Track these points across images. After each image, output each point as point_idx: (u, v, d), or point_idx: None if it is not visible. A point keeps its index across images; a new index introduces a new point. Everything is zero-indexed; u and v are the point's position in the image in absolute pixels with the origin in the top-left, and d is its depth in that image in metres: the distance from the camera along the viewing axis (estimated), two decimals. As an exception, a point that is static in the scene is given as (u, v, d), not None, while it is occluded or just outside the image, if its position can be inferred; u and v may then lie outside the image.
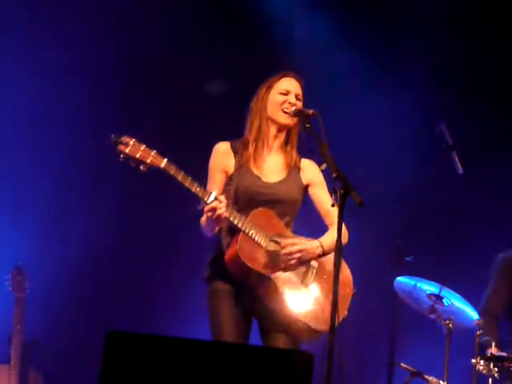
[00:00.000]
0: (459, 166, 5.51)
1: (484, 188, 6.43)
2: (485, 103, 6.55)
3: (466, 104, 6.50)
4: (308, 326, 3.98)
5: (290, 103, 4.16)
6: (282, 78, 4.24)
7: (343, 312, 4.04)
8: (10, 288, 5.48)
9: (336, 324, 3.45)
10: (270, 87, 4.22)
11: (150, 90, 6.25)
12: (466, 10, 6.63)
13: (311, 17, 6.75)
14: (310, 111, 3.93)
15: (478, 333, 4.88)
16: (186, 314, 5.95)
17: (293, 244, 4.01)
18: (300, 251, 4.01)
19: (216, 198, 3.87)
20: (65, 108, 6.04)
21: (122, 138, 3.78)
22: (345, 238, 3.99)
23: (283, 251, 3.99)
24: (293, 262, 4.01)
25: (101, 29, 6.08)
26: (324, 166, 3.76)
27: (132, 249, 6.17)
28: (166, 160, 3.83)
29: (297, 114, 4.07)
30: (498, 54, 6.56)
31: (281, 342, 4.01)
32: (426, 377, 5.06)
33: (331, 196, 3.63)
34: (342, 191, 3.54)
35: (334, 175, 3.60)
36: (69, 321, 5.93)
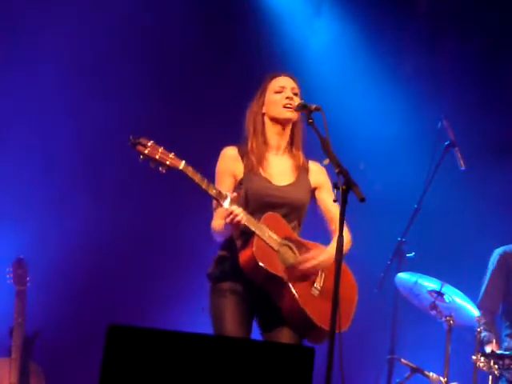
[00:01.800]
0: (461, 162, 5.50)
1: (486, 185, 6.42)
2: (487, 101, 6.55)
3: (468, 100, 6.50)
4: (320, 327, 4.00)
5: (288, 98, 4.16)
6: (273, 78, 4.26)
7: (346, 323, 4.05)
8: (11, 281, 5.47)
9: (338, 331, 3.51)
10: (263, 90, 4.24)
11: (153, 91, 6.25)
12: (471, 8, 6.63)
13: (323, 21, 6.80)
14: (313, 106, 3.92)
15: (479, 329, 4.88)
16: (187, 306, 5.95)
17: (307, 260, 4.02)
18: (315, 267, 4.03)
19: (232, 202, 3.88)
20: (65, 104, 6.04)
21: (141, 139, 3.78)
22: (347, 245, 4.01)
23: (300, 267, 4.00)
24: (308, 276, 4.04)
25: (104, 29, 6.08)
26: (326, 161, 3.75)
27: (133, 242, 6.17)
28: (183, 162, 3.85)
29: (300, 108, 4.05)
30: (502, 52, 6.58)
31: (287, 337, 4.02)
32: (427, 373, 5.07)
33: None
34: (344, 187, 3.54)
35: (337, 171, 3.59)
36: (70, 314, 5.93)
